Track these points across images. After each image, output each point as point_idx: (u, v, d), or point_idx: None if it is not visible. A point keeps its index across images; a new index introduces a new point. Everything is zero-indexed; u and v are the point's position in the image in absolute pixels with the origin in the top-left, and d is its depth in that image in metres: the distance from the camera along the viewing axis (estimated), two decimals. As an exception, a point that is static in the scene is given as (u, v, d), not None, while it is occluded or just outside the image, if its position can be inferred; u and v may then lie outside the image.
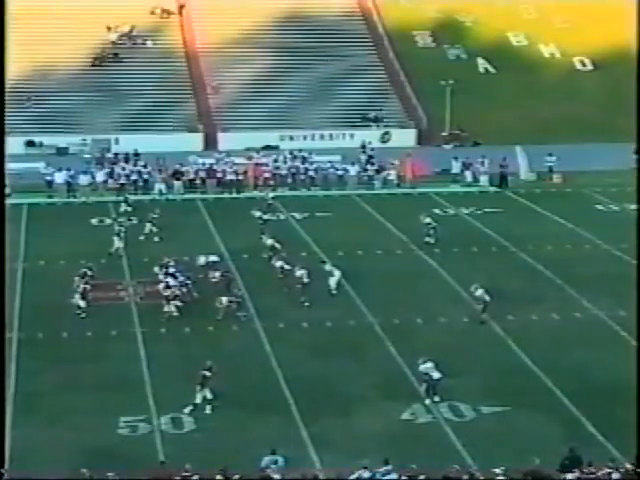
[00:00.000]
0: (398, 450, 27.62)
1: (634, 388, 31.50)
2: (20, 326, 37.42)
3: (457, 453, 28.46)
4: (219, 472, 25.58)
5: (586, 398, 31.42)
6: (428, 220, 48.08)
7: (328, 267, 41.58)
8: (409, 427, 30.25)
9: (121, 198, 54.17)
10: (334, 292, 40.64)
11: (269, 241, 45.38)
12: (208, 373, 31.05)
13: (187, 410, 30.62)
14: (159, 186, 57.65)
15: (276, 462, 26.75)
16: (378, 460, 26.34)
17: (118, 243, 45.62)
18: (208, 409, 30.72)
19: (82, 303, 38.22)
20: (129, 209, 52.57)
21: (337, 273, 41.03)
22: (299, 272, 40.34)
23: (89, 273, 39.42)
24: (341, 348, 35.55)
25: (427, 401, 31.24)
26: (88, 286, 38.71)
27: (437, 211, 53.76)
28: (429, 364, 31.69)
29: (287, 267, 41.37)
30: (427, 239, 47.32)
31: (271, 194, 55.60)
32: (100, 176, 58.20)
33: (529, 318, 38.27)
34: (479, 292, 37.86)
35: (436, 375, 31.49)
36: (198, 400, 30.74)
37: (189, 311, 38.41)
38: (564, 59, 76.75)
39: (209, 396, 30.82)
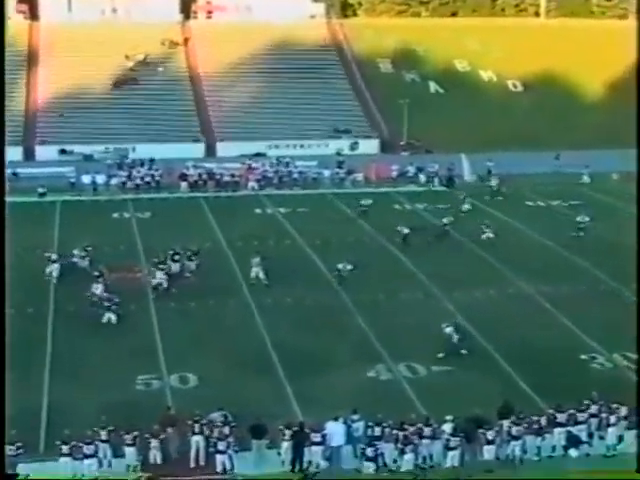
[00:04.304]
0: (366, 402, 27.57)
1: (555, 352, 31.90)
2: (55, 301, 37.38)
3: (413, 404, 28.52)
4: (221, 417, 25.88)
5: (519, 360, 31.45)
6: (579, 219, 47.55)
7: (255, 260, 39.64)
8: (374, 383, 30.30)
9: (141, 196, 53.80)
10: (253, 282, 39.09)
11: (405, 230, 45.17)
12: None
13: None
14: (252, 185, 57.26)
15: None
16: (349, 410, 26.35)
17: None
18: None
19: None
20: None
21: (255, 269, 39.29)
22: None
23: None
24: (319, 320, 35.38)
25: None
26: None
27: (397, 207, 53.80)
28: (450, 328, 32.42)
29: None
30: (576, 233, 46.41)
31: (370, 201, 52.30)
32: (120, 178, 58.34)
33: (472, 294, 38.08)
34: None
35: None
36: None
37: (192, 289, 38.34)
38: (500, 82, 76.92)
39: None
